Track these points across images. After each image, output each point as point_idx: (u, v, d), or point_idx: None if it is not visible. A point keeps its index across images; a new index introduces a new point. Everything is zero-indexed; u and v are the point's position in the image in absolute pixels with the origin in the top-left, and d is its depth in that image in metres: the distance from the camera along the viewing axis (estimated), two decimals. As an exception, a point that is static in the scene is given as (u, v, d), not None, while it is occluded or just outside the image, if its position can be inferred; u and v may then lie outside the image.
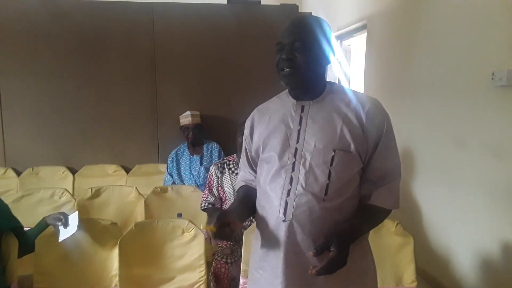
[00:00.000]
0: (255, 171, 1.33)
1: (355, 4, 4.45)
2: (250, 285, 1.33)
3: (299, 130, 1.19)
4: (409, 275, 1.95)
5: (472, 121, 2.43)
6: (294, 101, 1.23)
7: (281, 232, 1.15)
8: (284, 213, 1.15)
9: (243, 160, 1.39)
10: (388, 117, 1.19)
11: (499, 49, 2.19)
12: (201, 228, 1.05)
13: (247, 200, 1.30)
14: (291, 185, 1.16)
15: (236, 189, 1.42)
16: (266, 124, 1.26)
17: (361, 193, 1.20)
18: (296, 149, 1.17)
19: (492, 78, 2.18)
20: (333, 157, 1.13)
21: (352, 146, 1.13)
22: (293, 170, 1.16)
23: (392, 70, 3.54)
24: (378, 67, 3.88)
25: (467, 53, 2.46)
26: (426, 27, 2.94)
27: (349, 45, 5.48)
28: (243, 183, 1.38)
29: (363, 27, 4.23)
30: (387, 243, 1.96)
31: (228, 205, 2.41)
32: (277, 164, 1.19)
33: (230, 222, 1.08)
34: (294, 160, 1.17)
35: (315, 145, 1.15)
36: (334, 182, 1.13)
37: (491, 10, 2.25)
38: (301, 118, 1.20)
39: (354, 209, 1.19)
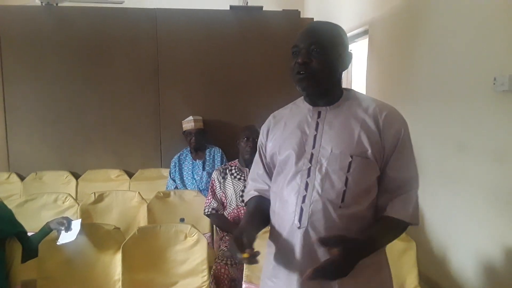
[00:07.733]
0: (270, 179, 1.28)
1: (356, 9, 4.47)
2: None
3: (315, 136, 1.16)
4: (412, 280, 1.95)
5: (474, 126, 2.43)
6: (311, 107, 1.21)
7: (296, 239, 1.12)
8: (299, 220, 1.12)
9: (257, 168, 1.33)
10: (406, 125, 1.17)
11: (500, 54, 2.19)
12: (241, 257, 1.02)
13: (259, 213, 1.26)
14: (306, 191, 1.13)
15: (247, 199, 1.35)
16: (282, 130, 1.23)
17: (378, 205, 1.17)
18: (312, 155, 1.15)
19: (494, 83, 2.18)
20: (350, 163, 1.11)
21: (370, 151, 1.11)
22: (308, 176, 1.14)
23: (394, 75, 3.55)
24: (380, 73, 3.89)
25: (468, 58, 2.47)
26: (427, 32, 2.95)
27: (350, 50, 5.51)
28: (255, 193, 1.31)
29: (364, 33, 4.25)
30: (390, 248, 1.91)
31: (229, 210, 2.41)
32: (293, 169, 1.16)
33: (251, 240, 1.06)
34: (310, 165, 1.14)
35: (331, 151, 1.13)
36: (351, 189, 1.10)
37: (493, 15, 2.26)
38: (317, 123, 1.18)
39: (373, 221, 1.16)
